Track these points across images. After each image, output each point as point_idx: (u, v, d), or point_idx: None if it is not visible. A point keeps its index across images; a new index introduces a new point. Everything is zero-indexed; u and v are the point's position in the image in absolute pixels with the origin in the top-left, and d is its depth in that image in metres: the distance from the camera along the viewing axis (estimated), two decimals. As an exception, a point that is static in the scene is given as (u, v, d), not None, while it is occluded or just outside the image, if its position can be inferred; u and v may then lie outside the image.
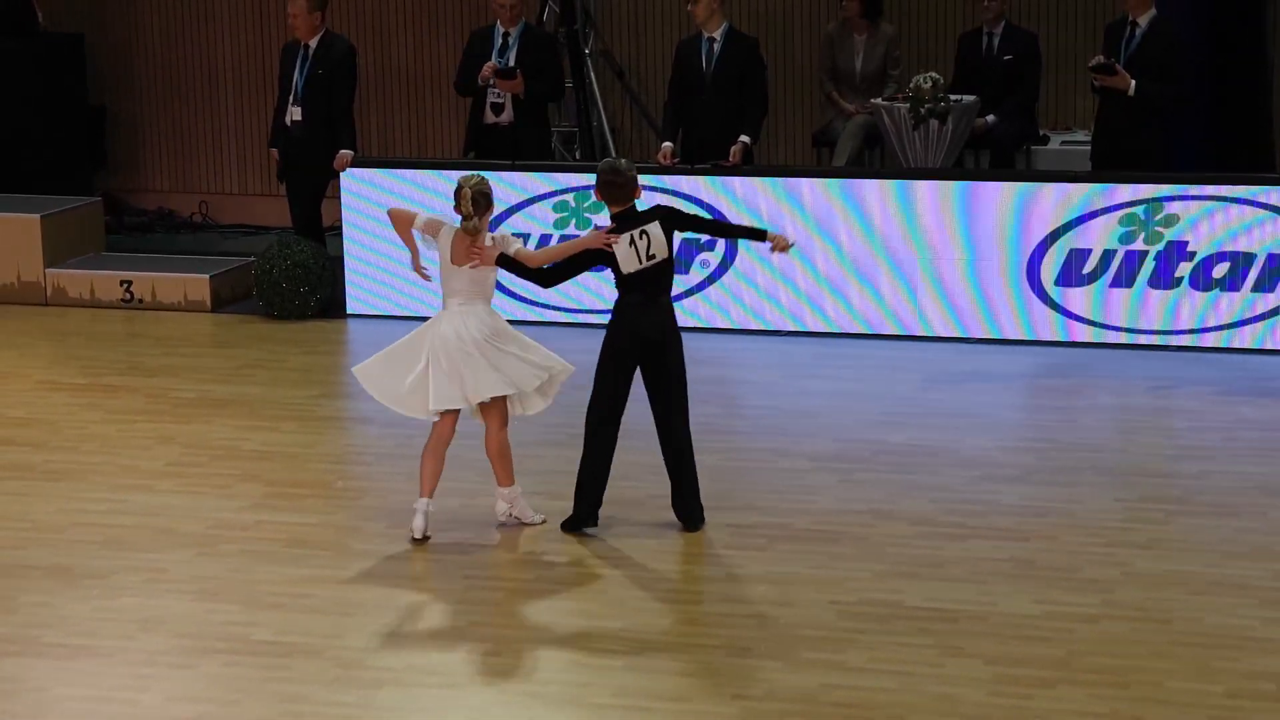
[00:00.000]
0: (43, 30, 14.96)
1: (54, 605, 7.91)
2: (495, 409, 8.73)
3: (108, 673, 7.28)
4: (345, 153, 12.60)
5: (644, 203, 8.88)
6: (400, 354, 8.71)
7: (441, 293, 8.77)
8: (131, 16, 15.51)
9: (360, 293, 12.65)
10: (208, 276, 12.99)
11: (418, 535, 8.62)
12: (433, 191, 12.38)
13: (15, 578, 8.20)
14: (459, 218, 8.64)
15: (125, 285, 13.04)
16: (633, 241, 8.64)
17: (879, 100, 12.77)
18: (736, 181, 12.07)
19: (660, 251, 8.66)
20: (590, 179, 12.17)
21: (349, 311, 12.65)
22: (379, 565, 8.37)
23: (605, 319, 11.18)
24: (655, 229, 8.65)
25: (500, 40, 12.83)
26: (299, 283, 12.49)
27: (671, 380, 8.69)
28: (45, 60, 14.78)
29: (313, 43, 12.77)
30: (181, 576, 8.25)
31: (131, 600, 7.98)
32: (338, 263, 12.69)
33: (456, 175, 12.27)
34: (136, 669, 7.31)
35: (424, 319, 12.27)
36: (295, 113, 12.73)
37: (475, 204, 8.62)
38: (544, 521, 8.81)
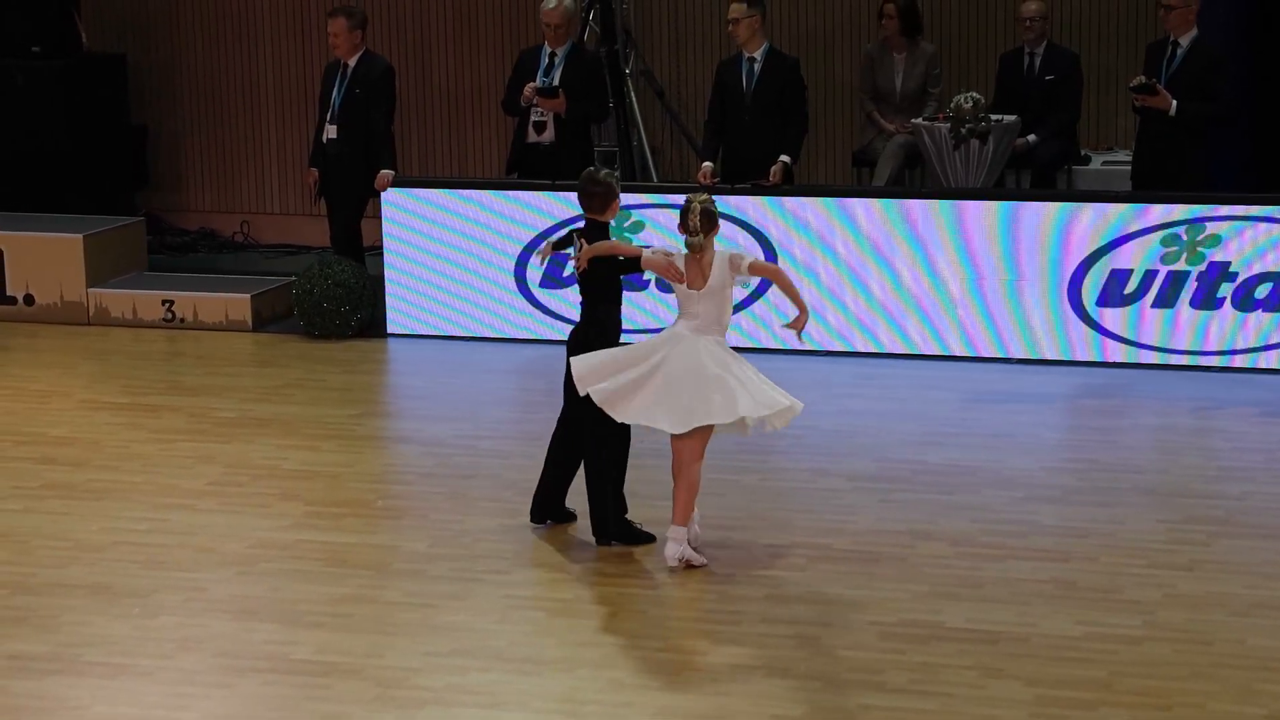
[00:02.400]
0: (85, 50, 15.03)
1: (95, 624, 7.93)
2: (697, 439, 8.55)
3: (148, 691, 7.30)
4: (386, 173, 12.64)
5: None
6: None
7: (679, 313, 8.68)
8: (173, 36, 15.58)
9: (400, 314, 12.67)
10: (249, 296, 13.04)
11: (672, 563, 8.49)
12: (473, 210, 12.40)
13: (57, 596, 8.22)
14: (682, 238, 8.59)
15: (167, 305, 13.08)
16: (576, 247, 8.79)
17: (919, 120, 12.75)
18: (777, 201, 12.06)
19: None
20: (630, 199, 12.22)
21: (389, 331, 12.67)
22: (419, 585, 8.37)
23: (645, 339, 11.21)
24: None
25: (546, 60, 12.86)
26: (339, 302, 12.52)
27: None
28: (88, 80, 14.85)
29: (352, 62, 12.83)
30: (221, 595, 8.27)
31: (171, 619, 8.00)
32: (378, 282, 12.72)
33: (498, 195, 12.42)
34: (176, 688, 7.32)
35: (464, 339, 12.39)
36: (331, 131, 12.78)
37: (704, 221, 8.55)
38: (705, 564, 8.54)
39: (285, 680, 7.38)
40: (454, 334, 12.56)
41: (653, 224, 12.19)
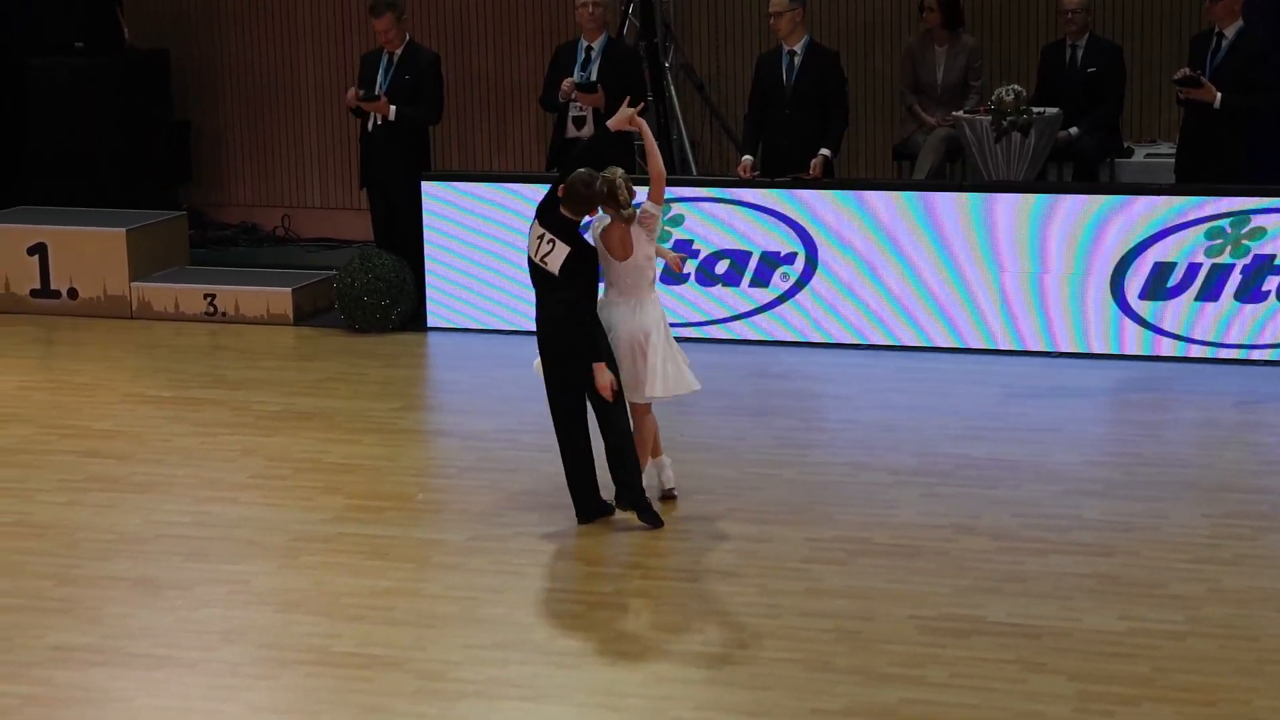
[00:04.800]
0: (128, 47, 15.08)
1: (139, 616, 7.96)
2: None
3: (191, 683, 7.32)
4: (390, 105, 12.65)
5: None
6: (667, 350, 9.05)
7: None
8: (215, 32, 15.63)
9: (441, 306, 12.69)
10: (290, 290, 13.07)
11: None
12: (514, 204, 12.41)
13: (101, 588, 8.26)
14: (595, 215, 8.99)
15: (209, 299, 13.13)
16: (541, 237, 8.84)
17: (960, 113, 12.72)
18: (817, 195, 12.04)
19: (554, 267, 8.82)
20: (670, 192, 12.20)
21: (429, 325, 12.69)
22: (460, 578, 8.39)
23: (709, 332, 11.28)
24: (562, 251, 8.79)
25: (583, 54, 12.87)
26: (380, 296, 12.54)
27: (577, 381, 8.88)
28: (131, 76, 14.90)
29: (398, 51, 12.88)
30: (264, 588, 8.30)
31: (215, 611, 8.03)
32: (407, 271, 12.70)
33: (537, 189, 12.42)
34: (219, 680, 7.35)
35: (504, 333, 12.40)
36: (378, 118, 12.82)
37: (631, 190, 8.91)
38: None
39: (327, 673, 7.39)
40: (494, 327, 12.58)
41: (696, 213, 12.17)
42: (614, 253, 8.98)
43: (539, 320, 8.97)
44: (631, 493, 8.90)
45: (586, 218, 9.10)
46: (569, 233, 8.86)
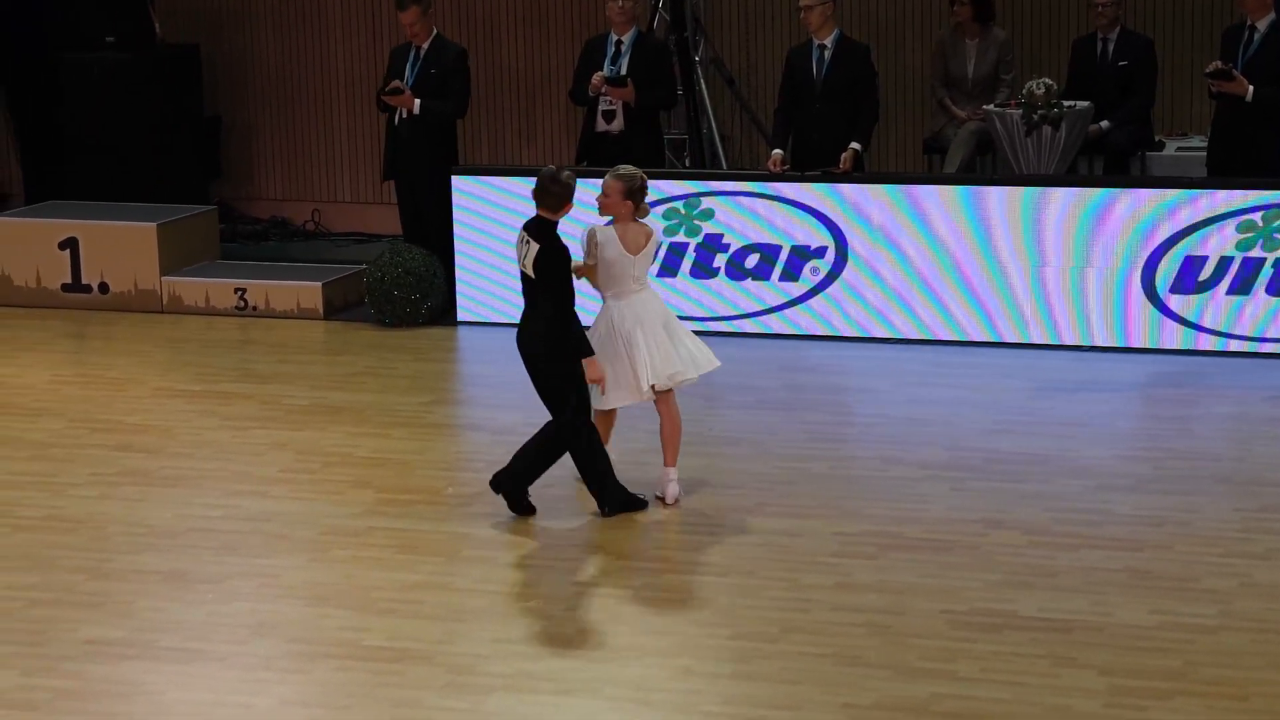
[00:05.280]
0: (159, 42, 15.12)
1: (169, 610, 7.98)
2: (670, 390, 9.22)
3: (222, 677, 7.34)
4: (415, 99, 12.68)
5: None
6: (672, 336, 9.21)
7: (614, 288, 9.13)
8: (246, 27, 15.66)
9: (471, 301, 12.70)
10: (320, 284, 13.09)
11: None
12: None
13: (132, 582, 8.28)
14: (606, 219, 9.17)
15: (239, 293, 13.16)
16: (524, 241, 8.95)
17: (991, 106, 12.69)
18: (847, 189, 12.02)
19: (528, 269, 8.91)
20: (701, 186, 12.21)
21: (459, 319, 12.70)
22: (490, 572, 8.39)
23: (739, 326, 11.29)
24: (534, 249, 8.89)
25: (613, 48, 12.86)
26: (410, 290, 12.56)
27: (542, 394, 8.98)
28: (162, 71, 14.94)
29: (425, 45, 12.90)
30: (294, 582, 8.31)
31: (245, 605, 8.04)
32: (436, 264, 12.71)
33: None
34: (250, 673, 7.36)
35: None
36: (403, 112, 12.84)
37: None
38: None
39: (357, 666, 7.40)
40: (517, 321, 12.55)
41: (728, 205, 12.16)
42: (631, 248, 9.02)
43: (518, 332, 9.04)
44: (607, 498, 8.97)
45: (602, 218, 9.09)
46: (544, 232, 8.90)
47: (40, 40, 15.27)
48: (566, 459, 9.02)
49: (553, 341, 8.87)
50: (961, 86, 13.35)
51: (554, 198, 8.93)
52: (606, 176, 9.25)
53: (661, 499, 9.14)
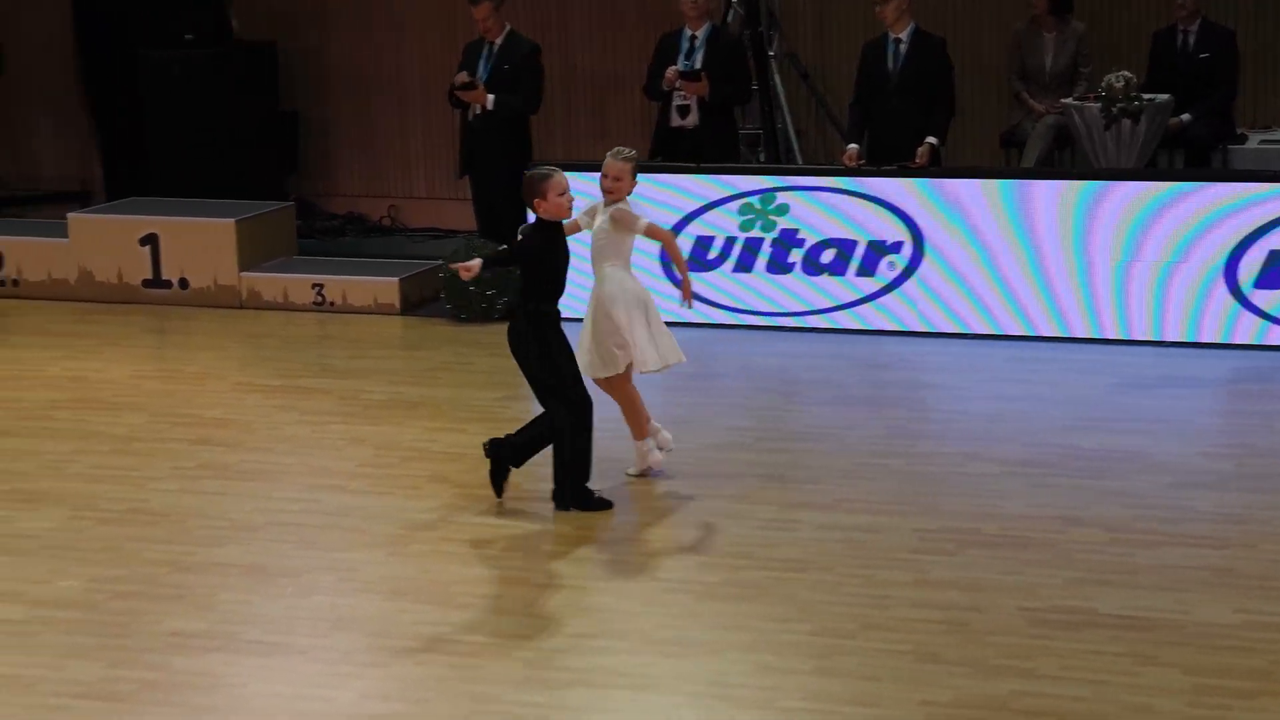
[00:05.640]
0: (237, 39, 15.21)
1: (251, 603, 8.03)
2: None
3: (302, 670, 7.38)
4: (487, 94, 12.71)
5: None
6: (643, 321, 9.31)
7: (612, 262, 9.28)
8: (322, 23, 15.73)
9: (547, 295, 12.71)
10: (397, 279, 13.14)
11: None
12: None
13: (214, 575, 8.34)
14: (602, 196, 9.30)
15: (317, 288, 13.22)
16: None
17: (1069, 100, 12.62)
18: (924, 183, 11.98)
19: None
20: (776, 181, 12.19)
21: (536, 314, 12.71)
22: (567, 566, 8.41)
23: (816, 322, 11.28)
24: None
25: (687, 44, 12.86)
26: (485, 285, 12.59)
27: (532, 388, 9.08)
28: (239, 68, 15.04)
29: (498, 41, 12.94)
30: (373, 576, 8.35)
31: (324, 599, 8.08)
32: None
33: (643, 179, 12.38)
34: (330, 667, 7.40)
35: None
36: (477, 107, 12.88)
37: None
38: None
39: (436, 660, 7.43)
40: (599, 317, 12.57)
41: (803, 200, 12.14)
42: (627, 226, 9.23)
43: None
44: (568, 495, 9.06)
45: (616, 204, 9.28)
46: (533, 227, 9.10)
47: (120, 38, 15.40)
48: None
49: (522, 334, 9.00)
50: (1039, 80, 13.28)
51: (528, 192, 9.05)
52: (612, 160, 9.32)
53: (646, 473, 9.34)
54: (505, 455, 9.14)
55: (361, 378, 11.48)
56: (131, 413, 10.82)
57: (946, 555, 8.38)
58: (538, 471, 9.72)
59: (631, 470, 9.47)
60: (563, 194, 8.96)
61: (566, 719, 6.95)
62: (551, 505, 9.15)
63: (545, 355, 8.94)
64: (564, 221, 9.11)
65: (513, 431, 9.17)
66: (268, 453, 10.08)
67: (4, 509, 9.22)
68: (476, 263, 9.06)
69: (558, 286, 9.02)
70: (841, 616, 7.77)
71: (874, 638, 7.55)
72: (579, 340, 9.31)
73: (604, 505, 9.05)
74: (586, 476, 9.07)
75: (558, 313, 9.03)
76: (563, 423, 8.98)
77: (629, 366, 9.35)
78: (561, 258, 9.02)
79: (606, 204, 9.28)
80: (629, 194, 9.33)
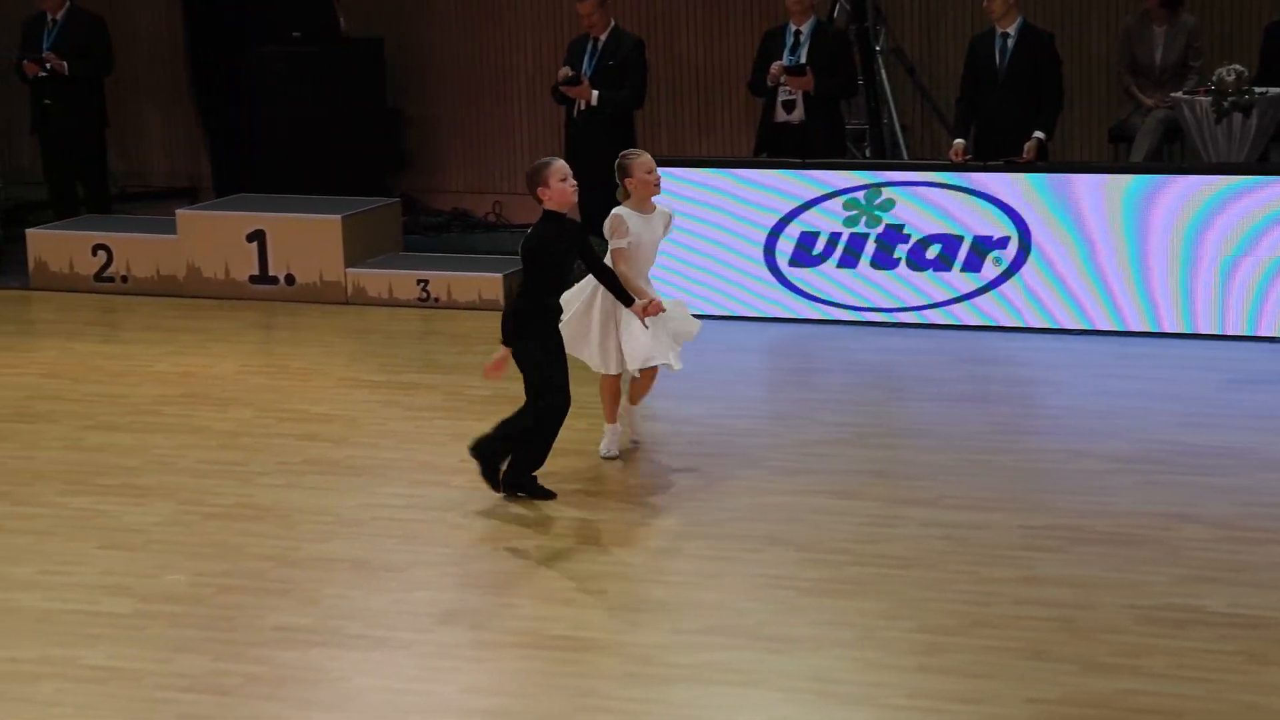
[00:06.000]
0: (344, 36, 15.31)
1: (355, 597, 8.07)
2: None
3: (406, 664, 7.40)
4: (591, 90, 12.72)
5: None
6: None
7: (640, 270, 9.51)
8: (429, 20, 15.80)
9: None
10: (501, 275, 13.17)
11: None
12: (723, 187, 12.41)
13: (319, 570, 8.38)
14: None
15: (422, 284, 13.28)
16: None
17: (1179, 93, 12.49)
18: (1031, 179, 11.88)
19: None
20: (881, 177, 12.13)
21: (639, 310, 12.71)
22: (672, 563, 8.39)
23: (921, 318, 11.22)
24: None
25: (791, 38, 12.82)
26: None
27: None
28: (347, 64, 15.13)
29: (602, 36, 12.95)
30: (476, 571, 8.36)
31: (428, 594, 8.11)
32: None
33: (747, 174, 12.38)
34: (433, 661, 7.42)
35: (713, 318, 12.41)
36: (581, 103, 12.90)
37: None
38: (615, 457, 9.68)
39: (539, 655, 7.43)
40: (703, 312, 12.55)
41: (907, 198, 12.08)
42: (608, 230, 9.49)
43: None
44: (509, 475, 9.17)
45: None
46: (540, 218, 9.15)
47: (229, 36, 15.53)
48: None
49: (516, 319, 9.03)
50: (1149, 74, 13.15)
51: (529, 183, 9.16)
52: (633, 159, 9.57)
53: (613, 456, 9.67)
54: (522, 479, 9.18)
55: (466, 373, 11.50)
56: (238, 408, 10.91)
57: (1054, 552, 8.30)
58: (636, 467, 9.71)
59: (605, 450, 9.71)
60: (564, 179, 8.98)
61: (669, 715, 6.93)
62: (657, 501, 9.14)
63: (531, 351, 8.99)
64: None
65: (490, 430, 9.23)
66: (372, 448, 10.12)
67: (113, 504, 9.31)
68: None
69: (561, 280, 9.04)
70: (946, 613, 7.71)
71: (980, 635, 7.49)
72: (589, 336, 9.49)
73: (546, 494, 9.15)
74: (536, 466, 9.17)
75: (559, 308, 9.09)
76: (529, 422, 9.04)
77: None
78: (567, 250, 9.03)
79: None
80: (644, 196, 9.52)
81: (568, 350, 9.36)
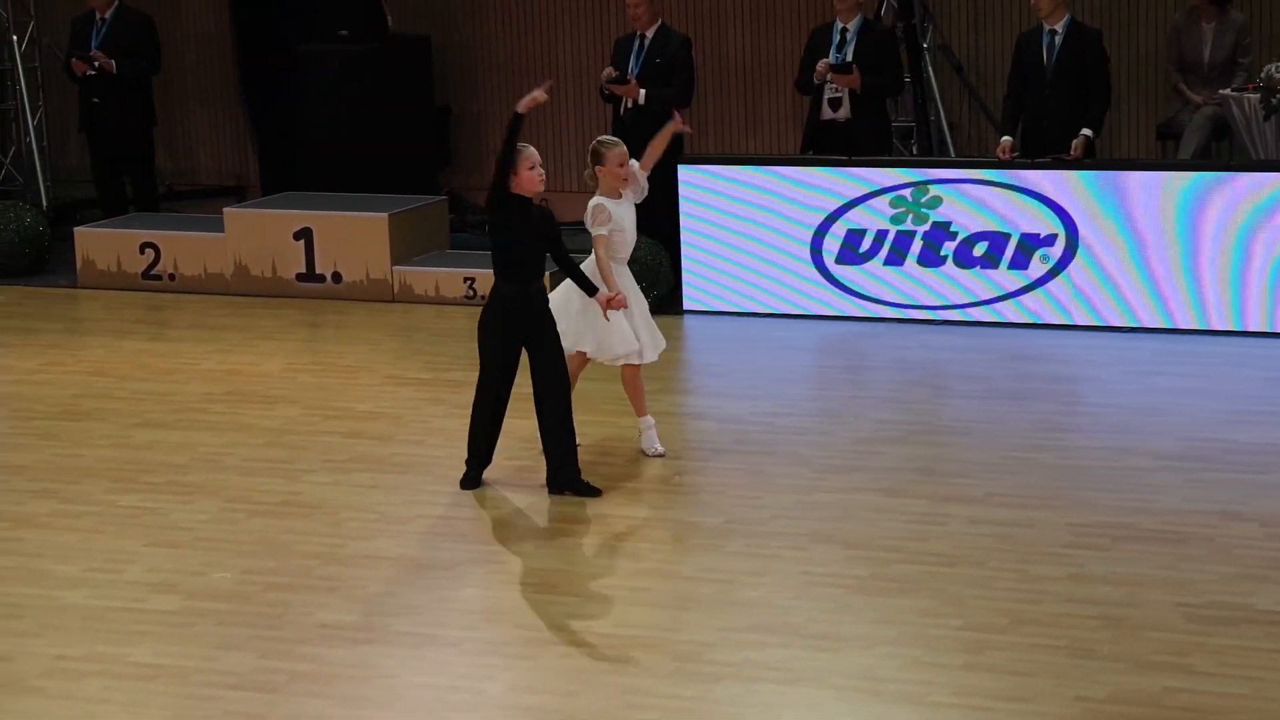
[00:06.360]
0: (392, 34, 15.34)
1: (402, 595, 8.09)
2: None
3: (453, 662, 7.42)
4: (640, 90, 12.72)
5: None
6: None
7: (617, 256, 9.65)
8: (476, 17, 15.83)
9: (697, 290, 12.71)
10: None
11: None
12: (770, 185, 12.40)
13: (366, 567, 8.40)
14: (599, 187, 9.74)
15: (468, 282, 13.30)
16: None
17: (1228, 91, 12.43)
18: (1078, 176, 11.84)
19: None
20: (928, 174, 12.10)
21: (685, 308, 12.72)
22: (716, 560, 8.39)
23: (967, 315, 11.20)
24: None
25: (838, 36, 12.81)
26: (635, 279, 12.55)
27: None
28: (394, 62, 15.16)
29: (649, 33, 12.96)
30: (522, 569, 8.38)
31: (474, 591, 8.13)
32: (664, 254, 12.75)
33: (793, 172, 12.38)
34: (481, 658, 7.44)
35: (759, 315, 12.41)
36: (629, 101, 12.90)
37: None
38: (662, 454, 9.66)
39: (585, 653, 7.44)
40: (750, 310, 12.57)
41: (955, 195, 12.05)
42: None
43: None
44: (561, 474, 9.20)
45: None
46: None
47: (276, 35, 15.58)
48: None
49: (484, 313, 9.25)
50: (1197, 71, 13.09)
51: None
52: (608, 148, 9.75)
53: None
54: (564, 477, 9.19)
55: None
56: (285, 406, 10.95)
57: (1101, 550, 8.28)
58: (682, 464, 9.72)
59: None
60: (533, 168, 9.05)
61: (715, 713, 6.93)
62: (702, 498, 9.15)
63: (487, 326, 9.15)
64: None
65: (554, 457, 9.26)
66: (418, 445, 10.15)
67: (160, 501, 9.36)
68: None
69: (519, 264, 9.13)
70: (993, 611, 7.69)
71: (1027, 633, 7.47)
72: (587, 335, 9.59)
73: (592, 492, 9.18)
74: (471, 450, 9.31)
75: (517, 291, 9.14)
76: (560, 406, 9.15)
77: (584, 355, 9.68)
78: (526, 235, 9.12)
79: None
80: (612, 187, 9.71)
81: (568, 349, 9.48)
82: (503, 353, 9.20)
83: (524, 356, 9.28)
